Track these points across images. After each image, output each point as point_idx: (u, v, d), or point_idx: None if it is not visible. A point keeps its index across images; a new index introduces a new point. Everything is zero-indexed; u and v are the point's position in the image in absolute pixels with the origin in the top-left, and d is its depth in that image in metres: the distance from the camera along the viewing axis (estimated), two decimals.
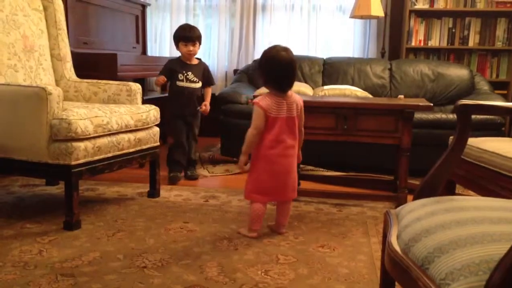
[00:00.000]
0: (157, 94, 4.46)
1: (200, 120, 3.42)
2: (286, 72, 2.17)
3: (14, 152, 2.29)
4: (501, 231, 0.97)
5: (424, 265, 0.96)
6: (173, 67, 3.25)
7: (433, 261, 0.95)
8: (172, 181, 3.22)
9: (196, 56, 3.33)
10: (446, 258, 0.93)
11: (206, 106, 3.35)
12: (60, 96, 2.27)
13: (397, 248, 1.08)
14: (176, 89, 3.26)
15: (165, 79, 3.24)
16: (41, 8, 2.91)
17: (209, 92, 3.41)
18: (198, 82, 3.29)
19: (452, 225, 1.03)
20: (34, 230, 2.28)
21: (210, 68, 5.09)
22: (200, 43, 3.26)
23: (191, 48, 3.20)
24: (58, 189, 2.98)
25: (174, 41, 3.27)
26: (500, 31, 4.61)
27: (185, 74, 3.23)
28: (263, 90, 3.91)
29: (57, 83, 2.93)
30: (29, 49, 2.73)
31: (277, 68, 2.15)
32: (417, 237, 1.05)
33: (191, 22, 5.10)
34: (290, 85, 2.20)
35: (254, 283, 1.78)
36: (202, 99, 3.37)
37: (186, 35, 3.19)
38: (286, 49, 2.18)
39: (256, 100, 2.20)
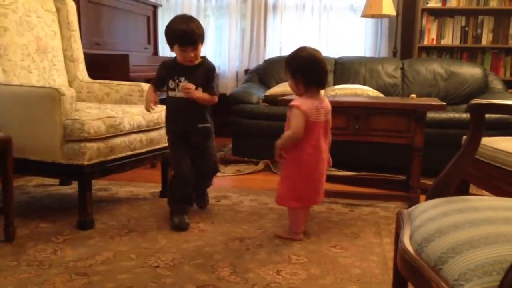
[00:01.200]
0: None
1: (212, 138, 2.51)
2: (325, 70, 2.16)
3: (29, 152, 2.32)
4: None
5: (437, 265, 0.96)
6: (165, 71, 2.39)
7: (447, 262, 0.94)
8: (177, 228, 2.32)
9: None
10: (459, 258, 0.92)
11: (187, 84, 2.30)
12: (73, 97, 2.29)
13: (410, 248, 1.08)
14: (168, 101, 2.41)
15: (156, 97, 2.40)
16: (54, 9, 2.94)
17: (208, 96, 2.34)
18: (195, 89, 2.30)
19: (466, 225, 1.03)
20: (49, 229, 2.30)
21: (221, 69, 5.20)
22: (203, 42, 2.32)
23: (192, 54, 2.27)
24: (71, 189, 3.01)
25: (167, 42, 2.32)
26: None
27: (177, 81, 2.32)
28: (275, 90, 3.93)
29: (70, 84, 2.96)
30: (42, 50, 2.76)
31: (318, 67, 2.13)
32: (430, 238, 1.04)
33: (202, 23, 5.08)
34: (326, 83, 2.24)
35: (266, 283, 1.78)
36: (208, 110, 2.45)
37: (184, 38, 2.24)
38: (316, 49, 2.19)
39: (295, 103, 2.12)
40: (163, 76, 2.38)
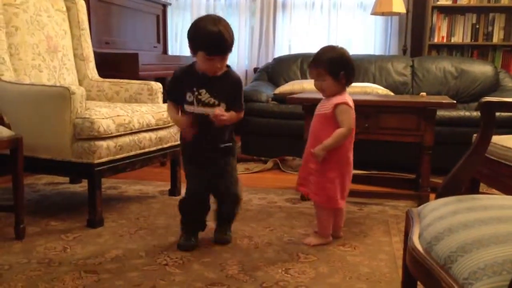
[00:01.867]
0: None
1: (233, 156, 2.15)
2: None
3: (39, 150, 2.34)
4: None
5: (447, 264, 0.95)
6: (181, 82, 2.02)
7: (456, 261, 0.93)
8: (180, 248, 2.08)
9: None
10: (469, 257, 0.91)
11: (220, 111, 1.95)
12: (83, 95, 2.31)
13: (419, 247, 1.07)
14: (185, 115, 2.02)
15: (188, 119, 2.00)
16: (64, 9, 2.96)
17: (235, 115, 2.03)
18: (218, 104, 1.96)
19: (476, 224, 1.02)
20: (59, 227, 2.32)
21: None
22: (231, 51, 1.95)
23: (218, 65, 1.92)
24: (81, 187, 3.03)
25: (190, 45, 1.97)
26: None
27: (196, 93, 1.95)
28: (284, 88, 3.92)
29: (80, 82, 2.98)
30: (52, 50, 2.78)
31: (354, 66, 2.12)
32: (440, 236, 1.03)
33: None
34: None
35: (275, 281, 1.78)
36: (233, 128, 2.12)
37: (213, 46, 1.87)
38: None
39: (342, 100, 2.06)
40: (179, 87, 2.00)
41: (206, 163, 2.08)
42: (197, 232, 2.14)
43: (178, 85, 2.02)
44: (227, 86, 1.99)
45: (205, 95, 1.96)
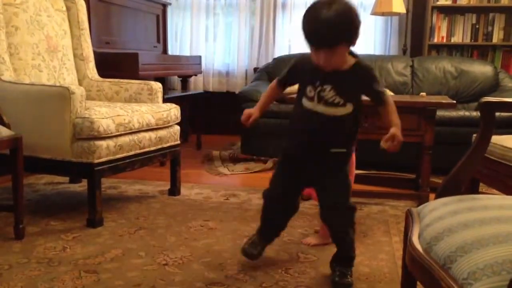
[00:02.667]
0: (177, 93, 4.48)
1: (347, 169, 1.78)
2: None
3: (39, 150, 2.34)
4: None
5: (446, 264, 0.95)
6: (302, 71, 1.72)
7: (456, 261, 0.93)
8: (242, 252, 1.89)
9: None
10: (468, 257, 0.91)
11: (394, 136, 1.62)
12: (83, 95, 2.31)
13: (419, 247, 1.07)
14: (299, 110, 1.73)
15: (257, 115, 1.82)
16: (64, 8, 2.96)
17: (388, 111, 1.69)
18: (343, 104, 1.65)
19: (475, 224, 1.02)
20: (58, 227, 2.32)
21: (230, 67, 5.20)
22: (351, 42, 1.58)
23: (323, 58, 1.57)
24: (81, 187, 3.03)
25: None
26: None
27: (318, 89, 1.64)
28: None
29: (80, 82, 2.98)
30: (52, 49, 2.78)
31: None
32: (439, 236, 1.03)
33: (211, 21, 5.13)
34: None
35: (274, 281, 1.78)
36: (351, 128, 1.73)
37: (313, 36, 1.57)
38: None
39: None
40: (301, 71, 1.72)
41: (305, 169, 1.75)
42: (271, 236, 1.91)
43: (296, 74, 1.74)
44: (358, 82, 1.65)
45: (329, 93, 1.63)
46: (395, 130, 1.62)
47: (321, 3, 1.55)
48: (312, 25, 1.55)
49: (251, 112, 1.80)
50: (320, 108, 1.65)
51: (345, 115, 1.65)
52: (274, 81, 1.83)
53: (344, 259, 1.79)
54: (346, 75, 1.63)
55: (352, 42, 1.57)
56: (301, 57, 1.74)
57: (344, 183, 1.76)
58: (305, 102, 1.68)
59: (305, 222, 2.43)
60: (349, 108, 1.65)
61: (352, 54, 1.65)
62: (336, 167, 1.74)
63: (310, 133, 1.70)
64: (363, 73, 1.66)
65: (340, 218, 1.77)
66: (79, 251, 2.03)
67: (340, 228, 1.77)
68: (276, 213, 1.87)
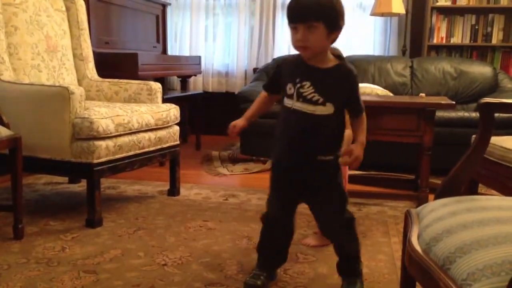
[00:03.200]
0: (177, 93, 4.48)
1: (339, 181, 1.67)
2: None
3: (39, 150, 2.34)
4: None
5: (445, 265, 0.95)
6: (285, 70, 1.66)
7: (455, 261, 0.93)
8: (244, 285, 1.74)
9: (334, 49, 1.62)
10: (467, 258, 0.91)
11: (351, 151, 1.56)
12: (82, 95, 2.31)
13: (418, 248, 1.07)
14: (281, 111, 1.66)
15: (242, 124, 1.78)
16: (64, 8, 2.96)
17: (359, 126, 1.62)
18: (322, 103, 1.56)
19: (474, 225, 1.02)
20: (57, 227, 2.32)
21: (230, 68, 5.20)
22: (332, 24, 1.51)
23: (300, 35, 1.50)
24: (80, 187, 3.03)
25: None
26: None
27: (297, 86, 1.58)
28: None
29: (79, 82, 2.98)
30: (52, 49, 2.78)
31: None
32: (438, 237, 1.03)
33: (211, 21, 5.13)
34: None
35: (273, 281, 1.78)
36: (335, 133, 1.63)
37: (292, 9, 1.52)
38: None
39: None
40: (278, 76, 1.68)
41: (294, 181, 1.66)
42: (272, 267, 1.80)
43: (278, 73, 1.68)
44: (338, 82, 1.57)
45: (308, 89, 1.56)
46: (355, 146, 1.57)
47: None
48: (294, 2, 1.52)
49: (236, 123, 1.76)
50: (299, 105, 1.57)
51: (325, 116, 1.56)
52: (262, 93, 1.79)
53: (350, 272, 1.73)
54: (326, 73, 1.57)
55: (332, 27, 1.50)
56: (284, 59, 1.73)
57: (338, 196, 1.66)
58: (286, 100, 1.62)
59: (304, 222, 2.43)
60: (329, 108, 1.56)
61: (338, 56, 1.61)
62: (326, 179, 1.64)
63: (290, 133, 1.61)
64: (345, 75, 1.58)
65: (337, 233, 1.71)
66: (78, 251, 2.03)
67: (341, 242, 1.72)
68: (273, 236, 1.77)
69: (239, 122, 1.76)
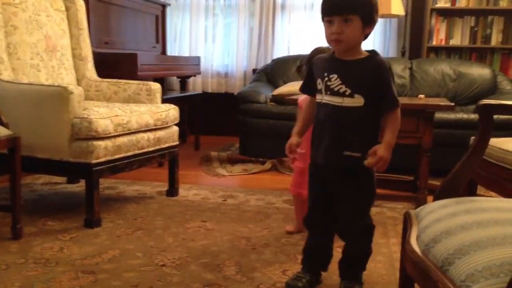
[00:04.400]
0: (176, 93, 4.48)
1: (367, 183, 1.64)
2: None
3: (37, 150, 2.33)
4: None
5: (444, 266, 0.95)
6: (314, 69, 1.64)
7: (454, 263, 0.93)
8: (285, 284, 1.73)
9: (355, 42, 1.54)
10: (466, 259, 0.91)
11: (377, 154, 1.49)
12: (81, 95, 2.31)
13: (417, 249, 1.07)
14: (316, 108, 1.64)
15: (298, 142, 1.68)
16: (63, 8, 2.95)
17: (388, 123, 1.58)
18: (350, 95, 1.52)
19: (473, 226, 1.02)
20: (56, 227, 2.31)
21: (229, 68, 5.20)
22: (367, 18, 1.50)
23: (335, 28, 1.49)
24: (78, 187, 3.02)
25: None
26: None
27: (325, 79, 1.56)
28: (283, 89, 3.92)
29: (79, 82, 2.97)
30: (51, 49, 2.78)
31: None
32: (437, 238, 1.03)
33: (211, 22, 5.13)
34: None
35: (272, 282, 1.78)
36: (376, 129, 1.60)
37: (327, 3, 1.52)
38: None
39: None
40: (312, 74, 1.64)
41: (323, 176, 1.63)
42: (316, 270, 1.76)
43: (310, 73, 1.65)
44: (367, 73, 1.52)
45: (335, 81, 1.53)
46: (379, 147, 1.50)
47: None
48: None
49: (291, 144, 1.68)
50: (327, 99, 1.55)
51: (354, 108, 1.51)
52: (302, 93, 1.77)
53: (350, 275, 1.70)
54: (355, 64, 1.54)
55: (367, 21, 1.49)
56: (316, 57, 1.70)
57: (361, 199, 1.62)
58: (317, 96, 1.60)
59: None
60: (358, 100, 1.51)
61: (373, 51, 1.58)
62: (352, 178, 1.59)
63: (319, 127, 1.59)
64: (375, 66, 1.53)
65: (352, 237, 1.67)
66: (76, 251, 2.02)
67: (353, 245, 1.69)
68: (314, 236, 1.74)
69: (293, 141, 1.68)
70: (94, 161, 2.26)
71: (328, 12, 1.50)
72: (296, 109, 2.38)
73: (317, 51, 2.03)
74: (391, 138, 1.53)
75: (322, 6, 1.52)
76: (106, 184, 3.08)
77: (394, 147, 1.56)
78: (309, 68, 1.67)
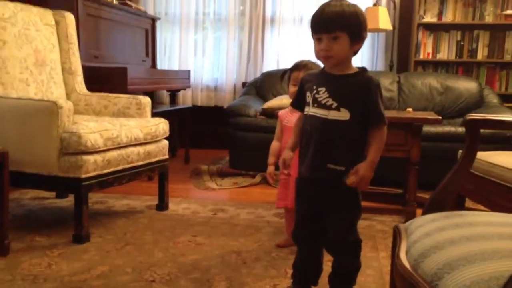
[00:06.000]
0: (166, 107, 4.48)
1: (356, 197, 1.63)
2: None
3: (25, 165, 2.31)
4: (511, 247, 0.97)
5: (434, 281, 0.96)
6: (304, 84, 1.66)
7: (443, 277, 0.94)
8: None
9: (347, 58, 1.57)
10: (455, 274, 0.92)
11: (359, 173, 1.50)
12: (71, 109, 2.30)
13: (406, 264, 1.08)
14: (304, 121, 1.64)
15: (291, 156, 1.69)
16: (53, 22, 2.95)
17: (373, 140, 1.56)
18: (336, 108, 1.53)
19: (462, 240, 1.03)
20: (44, 243, 2.29)
21: (219, 82, 5.22)
22: (356, 35, 1.53)
23: (324, 45, 1.52)
24: (67, 202, 3.00)
25: None
26: (509, 44, 4.59)
27: (314, 92, 1.58)
28: (272, 103, 3.94)
29: (68, 96, 2.97)
30: (40, 63, 2.77)
31: None
32: (426, 253, 1.04)
33: (200, 35, 5.16)
34: None
35: None
36: (363, 143, 1.58)
37: (316, 20, 1.54)
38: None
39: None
40: (302, 90, 1.65)
41: (309, 189, 1.63)
42: (307, 284, 1.75)
43: (301, 88, 1.67)
44: (354, 88, 1.54)
45: (323, 94, 1.55)
46: (360, 165, 1.51)
47: (333, 0, 1.55)
48: (319, 13, 1.53)
49: (285, 159, 1.70)
50: (313, 110, 1.56)
51: (339, 121, 1.52)
52: (295, 112, 1.79)
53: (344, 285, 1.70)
54: (344, 79, 1.56)
55: (355, 38, 1.52)
56: (308, 73, 1.74)
57: (347, 215, 1.62)
58: (305, 108, 1.62)
59: None
60: (344, 114, 1.52)
61: (362, 68, 1.61)
62: (337, 194, 1.58)
63: (305, 139, 1.60)
64: (363, 82, 1.55)
65: (341, 253, 1.67)
66: (64, 267, 2.00)
67: (341, 261, 1.69)
68: (303, 250, 1.73)
69: (287, 156, 1.69)
70: (83, 176, 2.25)
71: (317, 29, 1.53)
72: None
73: (302, 63, 2.13)
74: (375, 156, 1.53)
75: (311, 23, 1.56)
76: (95, 199, 3.06)
77: (383, 160, 1.56)
78: (300, 84, 1.69)
